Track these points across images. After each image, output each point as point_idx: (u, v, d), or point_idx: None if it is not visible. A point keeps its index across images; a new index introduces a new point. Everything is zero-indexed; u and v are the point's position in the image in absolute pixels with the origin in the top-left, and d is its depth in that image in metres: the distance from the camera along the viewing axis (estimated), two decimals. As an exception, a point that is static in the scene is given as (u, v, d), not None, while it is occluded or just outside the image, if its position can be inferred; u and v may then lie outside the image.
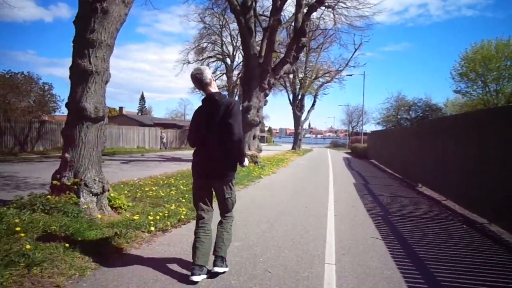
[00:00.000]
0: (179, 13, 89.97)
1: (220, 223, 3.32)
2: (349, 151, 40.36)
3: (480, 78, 31.79)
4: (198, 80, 3.22)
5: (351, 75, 33.62)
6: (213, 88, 3.28)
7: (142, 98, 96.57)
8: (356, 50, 31.25)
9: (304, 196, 8.12)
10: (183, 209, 5.54)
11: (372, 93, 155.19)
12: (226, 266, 3.26)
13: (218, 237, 3.25)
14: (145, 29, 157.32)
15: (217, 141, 3.12)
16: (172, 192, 6.95)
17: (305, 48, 33.01)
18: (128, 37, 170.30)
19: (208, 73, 3.25)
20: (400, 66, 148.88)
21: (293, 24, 16.18)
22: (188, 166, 12.57)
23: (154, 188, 7.16)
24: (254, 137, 14.21)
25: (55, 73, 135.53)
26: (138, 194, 6.56)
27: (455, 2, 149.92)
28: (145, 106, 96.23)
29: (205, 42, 36.42)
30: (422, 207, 7.47)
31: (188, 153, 25.67)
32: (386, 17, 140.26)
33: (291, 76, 32.22)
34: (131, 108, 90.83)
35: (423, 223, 5.93)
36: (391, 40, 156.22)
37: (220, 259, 3.18)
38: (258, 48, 14.93)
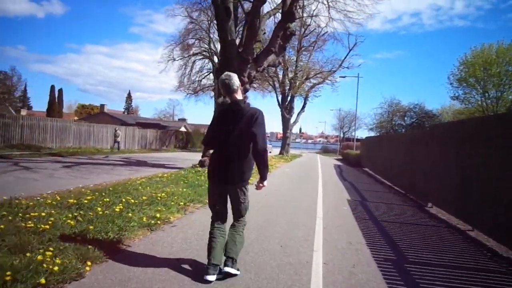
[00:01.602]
0: (167, 8, 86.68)
1: (233, 226, 3.39)
2: (340, 157, 38.31)
3: (479, 84, 30.07)
4: (226, 86, 3.26)
5: (344, 77, 31.59)
6: (239, 96, 3.31)
7: (129, 97, 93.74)
8: (350, 50, 29.32)
9: (281, 224, 5.84)
10: (67, 260, 3.17)
11: (363, 100, 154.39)
12: (238, 270, 3.27)
13: (230, 240, 3.28)
14: (139, 29, 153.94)
15: (235, 148, 3.19)
16: (70, 222, 4.27)
17: (296, 47, 31.18)
18: (122, 36, 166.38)
19: (236, 80, 3.30)
20: (392, 73, 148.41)
21: (280, 11, 13.98)
22: (146, 173, 10.26)
23: (52, 212, 4.60)
24: (230, 140, 11.92)
25: (46, 70, 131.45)
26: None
27: (448, 12, 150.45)
28: (131, 105, 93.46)
29: (191, 38, 34.10)
30: (450, 245, 5.24)
31: (163, 156, 23.36)
32: (379, 24, 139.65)
33: (280, 75, 30.12)
34: (120, 107, 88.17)
35: (474, 279, 3.68)
36: (384, 47, 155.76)
37: (231, 260, 3.20)
38: (239, 40, 12.69)
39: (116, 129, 26.27)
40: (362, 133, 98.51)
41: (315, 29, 28.17)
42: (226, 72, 3.38)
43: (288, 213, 6.54)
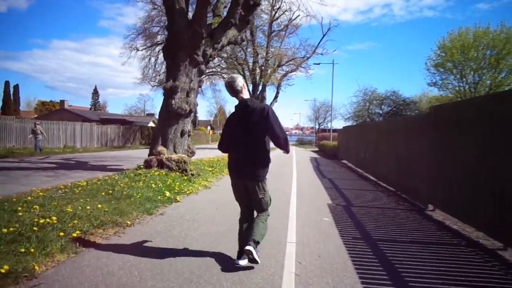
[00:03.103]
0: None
1: (257, 216, 3.50)
2: (316, 149, 36.63)
3: (457, 69, 28.94)
4: (232, 87, 3.40)
5: (318, 64, 29.89)
6: (245, 95, 3.45)
7: (95, 92, 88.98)
8: (324, 35, 27.55)
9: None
10: None
11: (337, 91, 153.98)
12: (258, 253, 3.30)
13: (254, 226, 3.38)
14: (108, 23, 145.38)
15: (248, 144, 3.32)
16: None
17: (266, 32, 29.00)
18: (91, 30, 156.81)
19: (240, 81, 3.44)
20: (366, 64, 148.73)
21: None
22: (70, 180, 7.90)
23: None
24: (182, 134, 9.66)
25: (11, 67, 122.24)
26: None
27: (417, 3, 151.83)
28: (98, 101, 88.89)
29: (155, 26, 31.21)
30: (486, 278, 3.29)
31: (119, 154, 20.17)
32: (351, 16, 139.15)
33: (250, 63, 27.89)
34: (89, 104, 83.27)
35: None
36: (357, 39, 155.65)
37: (252, 241, 3.25)
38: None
39: (37, 123, 19.63)
40: (338, 124, 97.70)
41: (286, 11, 26.16)
42: (230, 75, 3.77)
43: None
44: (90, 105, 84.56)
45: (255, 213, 3.56)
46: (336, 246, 4.30)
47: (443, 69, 29.83)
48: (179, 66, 9.50)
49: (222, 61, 30.66)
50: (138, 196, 6.05)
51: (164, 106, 9.61)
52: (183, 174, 8.95)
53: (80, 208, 4.87)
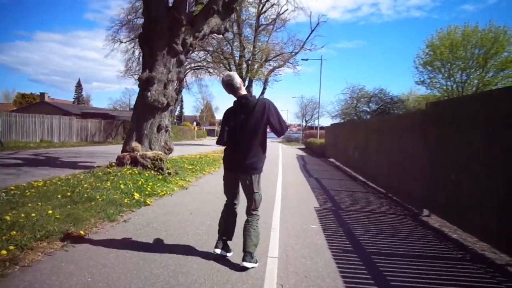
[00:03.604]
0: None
1: (247, 221, 3.46)
2: (303, 146, 36.13)
3: (445, 67, 28.75)
4: (230, 86, 3.46)
5: (306, 60, 29.17)
6: (243, 91, 3.51)
7: (79, 85, 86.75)
8: (313, 30, 27.01)
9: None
10: None
11: (324, 89, 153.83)
12: (256, 262, 3.40)
13: (245, 235, 3.39)
14: (94, 15, 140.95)
15: (247, 138, 3.37)
16: None
17: (253, 25, 28.21)
18: (76, 23, 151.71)
19: (237, 78, 3.48)
20: (354, 62, 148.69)
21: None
22: (33, 178, 7.09)
23: None
24: (159, 129, 8.90)
25: None
26: None
27: (405, 2, 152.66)
28: (82, 95, 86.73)
29: (139, 17, 30.09)
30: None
31: (97, 149, 18.70)
32: (339, 14, 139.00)
33: (237, 58, 27.10)
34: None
35: None
36: (344, 37, 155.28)
37: (249, 254, 3.33)
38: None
39: None
40: (325, 122, 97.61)
41: (274, 4, 25.51)
42: (227, 73, 3.64)
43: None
44: (73, 98, 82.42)
45: (243, 214, 3.58)
46: (325, 262, 3.67)
47: (431, 67, 29.61)
48: (156, 56, 8.73)
49: (208, 54, 29.84)
50: (101, 199, 5.32)
51: (140, 98, 8.83)
52: (158, 173, 8.21)
53: (23, 215, 4.11)
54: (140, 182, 6.94)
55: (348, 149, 13.49)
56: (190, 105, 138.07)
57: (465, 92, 27.46)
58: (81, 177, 6.94)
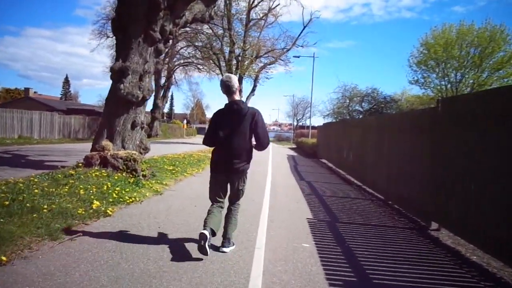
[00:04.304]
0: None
1: (229, 210, 3.76)
2: (294, 146, 35.30)
3: (440, 66, 28.15)
4: (227, 86, 3.56)
5: (298, 57, 28.45)
6: (238, 96, 3.61)
7: (66, 81, 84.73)
8: (305, 27, 26.16)
9: None
10: None
11: (316, 89, 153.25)
12: (233, 245, 3.74)
13: (227, 222, 3.69)
14: (85, 11, 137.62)
15: (238, 142, 3.51)
16: None
17: (244, 20, 27.21)
18: (66, 19, 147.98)
19: (236, 83, 3.60)
20: (345, 62, 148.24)
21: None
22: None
23: None
24: (133, 126, 7.92)
25: None
26: None
27: (396, 3, 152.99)
28: (69, 91, 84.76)
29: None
30: None
31: (77, 147, 17.17)
32: (331, 14, 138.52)
33: (227, 54, 26.11)
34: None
35: None
36: (336, 36, 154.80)
37: (227, 240, 3.68)
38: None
39: None
40: (316, 121, 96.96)
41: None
42: (227, 74, 3.87)
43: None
44: (61, 94, 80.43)
45: (226, 205, 3.81)
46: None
47: (426, 67, 28.99)
48: (131, 43, 7.75)
49: (197, 50, 28.83)
50: (48, 210, 4.34)
51: (112, 91, 7.85)
52: (132, 175, 7.25)
53: None
54: (106, 186, 5.96)
55: (342, 150, 12.64)
56: (180, 103, 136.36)
57: (459, 92, 26.88)
58: (36, 180, 5.92)
